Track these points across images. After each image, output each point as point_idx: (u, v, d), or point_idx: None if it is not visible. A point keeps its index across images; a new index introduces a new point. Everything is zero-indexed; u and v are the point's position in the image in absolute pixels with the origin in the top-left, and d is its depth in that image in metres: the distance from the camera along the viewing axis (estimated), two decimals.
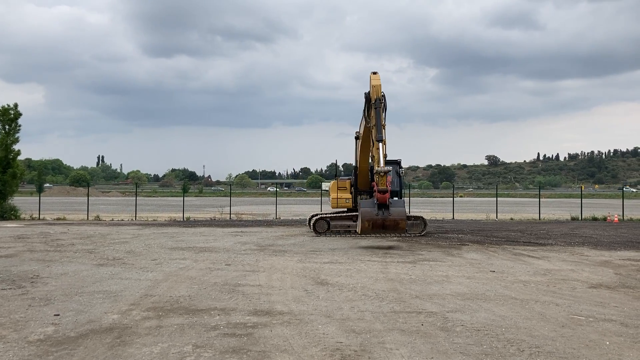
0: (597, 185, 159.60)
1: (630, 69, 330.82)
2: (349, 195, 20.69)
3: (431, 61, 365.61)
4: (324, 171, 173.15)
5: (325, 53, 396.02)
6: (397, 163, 21.01)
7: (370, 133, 17.07)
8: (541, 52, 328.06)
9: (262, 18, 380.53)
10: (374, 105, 16.80)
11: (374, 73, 18.04)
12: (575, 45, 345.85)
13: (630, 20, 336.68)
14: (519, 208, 46.23)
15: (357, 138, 20.61)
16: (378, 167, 16.13)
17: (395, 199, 16.62)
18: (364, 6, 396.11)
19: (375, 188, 16.18)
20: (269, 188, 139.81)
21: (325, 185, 22.91)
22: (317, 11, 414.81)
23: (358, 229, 16.67)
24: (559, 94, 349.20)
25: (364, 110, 18.54)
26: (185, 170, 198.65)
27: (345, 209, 20.74)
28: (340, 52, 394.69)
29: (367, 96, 18.00)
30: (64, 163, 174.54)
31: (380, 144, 16.34)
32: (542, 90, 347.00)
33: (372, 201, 16.39)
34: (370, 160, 16.91)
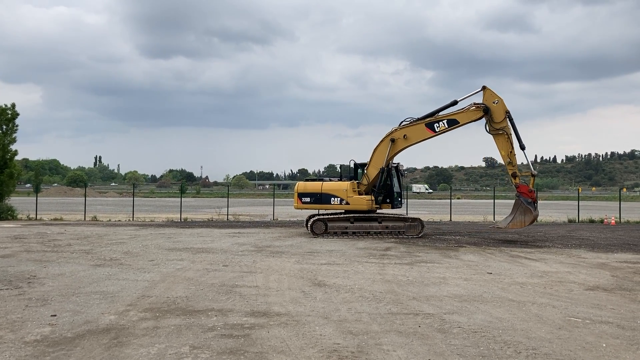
0: (594, 188, 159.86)
1: (625, 72, 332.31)
2: (370, 197, 20.45)
3: (427, 63, 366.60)
4: (321, 172, 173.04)
5: (321, 55, 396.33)
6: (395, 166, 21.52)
7: (505, 140, 18.99)
8: (536, 55, 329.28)
9: (259, 20, 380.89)
10: (509, 116, 18.94)
11: (487, 87, 19.34)
12: (570, 49, 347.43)
13: (625, 23, 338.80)
14: None
15: (392, 140, 20.16)
16: (520, 172, 19.21)
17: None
18: (359, 8, 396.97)
19: (523, 189, 18.84)
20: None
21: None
22: (313, 13, 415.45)
23: (516, 225, 18.92)
24: (554, 97, 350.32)
25: (439, 112, 19.73)
26: (182, 171, 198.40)
27: (343, 211, 20.68)
28: (337, 54, 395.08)
29: (452, 103, 19.70)
30: (61, 163, 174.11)
31: (525, 151, 19.07)
32: (538, 93, 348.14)
33: (527, 200, 18.81)
34: (509, 164, 19.13)
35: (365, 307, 8.20)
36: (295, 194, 21.21)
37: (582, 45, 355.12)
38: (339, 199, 20.50)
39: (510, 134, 18.85)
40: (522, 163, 20.37)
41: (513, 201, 20.02)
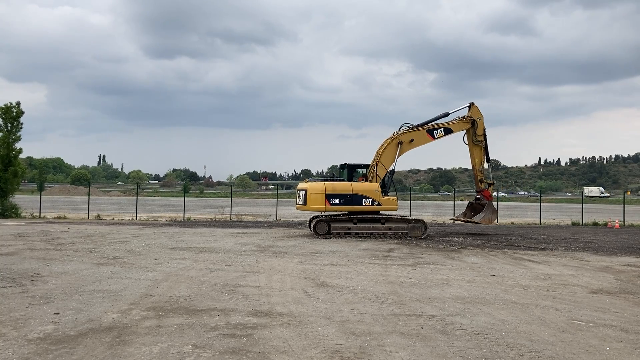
0: None
1: (626, 75, 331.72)
2: (395, 198, 21.27)
3: (430, 65, 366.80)
4: (325, 173, 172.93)
5: (324, 56, 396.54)
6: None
7: (480, 151, 23.10)
8: (538, 58, 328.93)
9: (262, 21, 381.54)
10: (484, 132, 23.05)
11: (474, 104, 22.98)
12: (572, 52, 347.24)
13: (625, 27, 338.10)
14: (519, 212, 46.20)
15: (400, 143, 21.26)
16: (490, 180, 23.69)
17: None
18: (361, 11, 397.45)
19: (487, 194, 23.28)
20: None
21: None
22: (316, 15, 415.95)
23: (487, 222, 22.88)
24: (557, 100, 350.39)
25: (433, 121, 22.17)
26: (186, 171, 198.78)
27: (346, 212, 20.59)
28: (339, 56, 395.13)
29: (444, 114, 22.56)
30: (65, 162, 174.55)
31: (489, 163, 23.60)
32: (540, 96, 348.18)
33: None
34: (480, 172, 23.24)
35: (367, 308, 8.19)
36: (321, 195, 19.71)
37: (583, 48, 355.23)
38: (370, 200, 20.18)
39: (485, 147, 23.07)
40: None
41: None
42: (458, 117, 22.70)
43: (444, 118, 22.40)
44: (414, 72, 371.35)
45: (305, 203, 20.14)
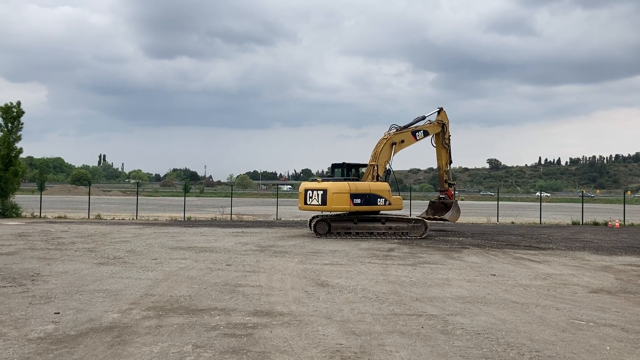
0: (598, 190, 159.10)
1: (626, 75, 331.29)
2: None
3: (429, 65, 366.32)
4: (325, 173, 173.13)
5: (324, 56, 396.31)
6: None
7: (446, 153, 24.38)
8: (538, 57, 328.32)
9: (261, 21, 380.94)
10: (449, 137, 24.42)
11: (443, 109, 24.34)
12: (571, 52, 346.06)
13: (625, 27, 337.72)
14: (520, 212, 46.19)
15: (393, 143, 21.98)
16: (452, 181, 25.35)
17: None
18: (361, 11, 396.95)
19: (449, 193, 24.88)
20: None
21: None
22: (315, 15, 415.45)
23: (454, 219, 24.18)
24: (557, 99, 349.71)
25: (413, 125, 23.15)
26: (186, 170, 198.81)
27: (347, 212, 20.55)
28: (339, 56, 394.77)
29: (421, 117, 23.56)
30: (66, 162, 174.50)
31: (451, 165, 25.07)
32: (540, 95, 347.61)
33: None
34: (445, 172, 24.72)
35: (368, 307, 8.19)
36: (346, 195, 19.40)
37: (582, 48, 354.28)
38: (383, 199, 20.31)
39: (449, 150, 24.50)
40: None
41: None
42: (429, 121, 23.75)
43: (421, 121, 23.50)
44: (414, 71, 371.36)
45: (324, 203, 19.47)
